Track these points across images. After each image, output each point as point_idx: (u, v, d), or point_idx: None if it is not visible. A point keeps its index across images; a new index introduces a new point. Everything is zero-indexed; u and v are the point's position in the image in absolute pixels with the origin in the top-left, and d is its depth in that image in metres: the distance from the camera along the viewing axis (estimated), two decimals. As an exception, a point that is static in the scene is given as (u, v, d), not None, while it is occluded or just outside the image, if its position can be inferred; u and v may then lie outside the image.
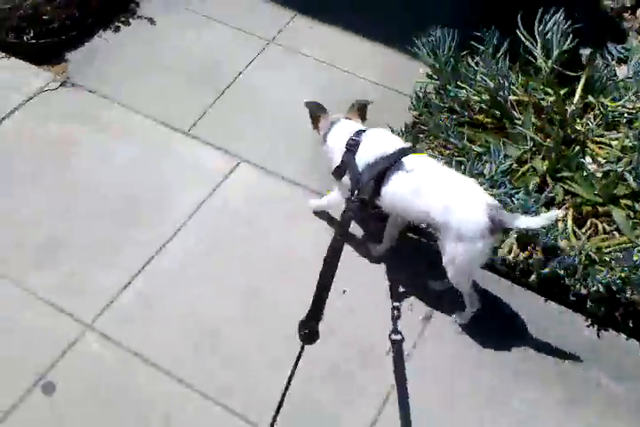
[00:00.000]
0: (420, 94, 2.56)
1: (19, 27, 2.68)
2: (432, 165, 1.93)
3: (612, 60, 2.63)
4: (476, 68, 2.50)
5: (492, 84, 2.40)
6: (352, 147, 1.97)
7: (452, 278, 1.93)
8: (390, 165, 1.89)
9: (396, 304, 2.01)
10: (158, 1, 3.02)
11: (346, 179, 1.99)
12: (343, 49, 2.88)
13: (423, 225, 2.22)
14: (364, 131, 2.02)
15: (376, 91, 2.72)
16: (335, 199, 2.13)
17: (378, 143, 1.98)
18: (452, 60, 2.48)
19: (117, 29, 2.89)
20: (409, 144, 2.05)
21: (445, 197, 1.83)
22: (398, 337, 1.91)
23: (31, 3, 2.64)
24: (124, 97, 2.65)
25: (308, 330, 1.60)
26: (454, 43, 2.47)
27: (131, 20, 2.92)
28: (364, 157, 1.95)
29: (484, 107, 2.48)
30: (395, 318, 1.96)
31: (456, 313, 2.09)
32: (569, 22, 2.36)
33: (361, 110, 2.15)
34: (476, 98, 2.48)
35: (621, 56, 2.65)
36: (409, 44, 2.61)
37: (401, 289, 2.13)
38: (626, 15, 3.02)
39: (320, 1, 3.02)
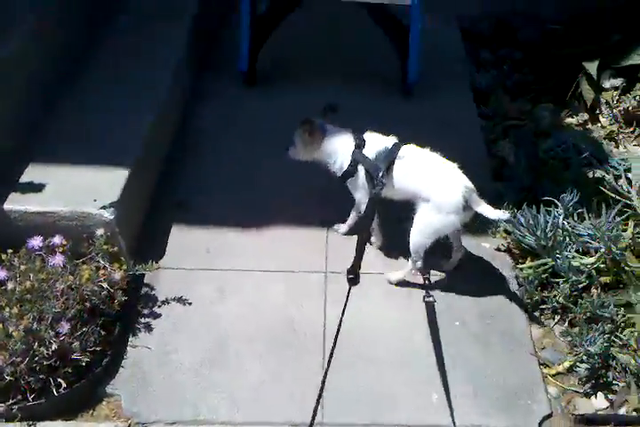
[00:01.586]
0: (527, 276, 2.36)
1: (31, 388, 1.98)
2: (422, 153, 2.32)
3: None
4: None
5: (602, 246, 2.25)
6: (359, 146, 2.33)
7: (414, 240, 2.31)
8: (395, 156, 2.28)
9: (426, 276, 2.39)
10: (175, 277, 2.49)
11: (359, 176, 2.35)
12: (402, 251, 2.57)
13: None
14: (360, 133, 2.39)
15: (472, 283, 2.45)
16: (361, 201, 2.42)
17: (379, 141, 2.36)
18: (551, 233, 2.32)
19: (149, 328, 2.30)
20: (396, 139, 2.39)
21: (433, 178, 2.25)
22: (431, 299, 2.26)
23: (58, 347, 1.97)
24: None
25: (353, 275, 2.09)
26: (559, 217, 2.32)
27: (157, 310, 2.35)
28: (371, 153, 2.32)
29: (599, 268, 2.32)
30: (426, 287, 2.34)
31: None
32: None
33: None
34: (586, 261, 2.32)
35: None
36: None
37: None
38: None
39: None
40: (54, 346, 1.97)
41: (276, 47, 3.47)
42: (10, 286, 2.06)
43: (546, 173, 2.73)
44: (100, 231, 2.25)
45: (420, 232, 2.29)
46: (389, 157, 2.29)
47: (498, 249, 2.57)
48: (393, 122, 3.03)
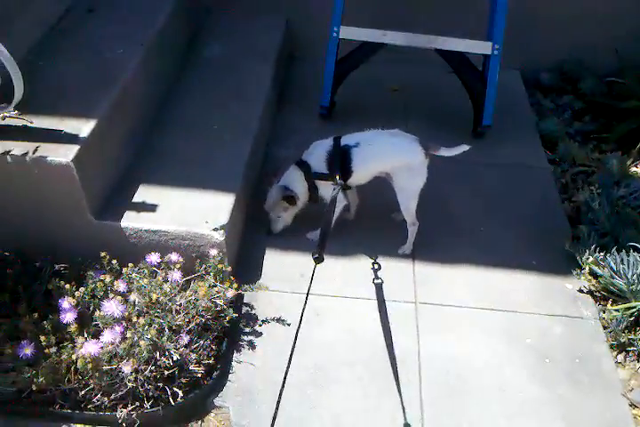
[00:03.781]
0: (613, 318, 2.46)
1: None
2: (365, 133, 2.62)
3: None
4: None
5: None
6: (305, 169, 2.63)
7: (407, 206, 2.65)
8: (342, 148, 2.56)
9: (374, 261, 2.73)
10: (272, 298, 2.60)
11: (323, 188, 2.66)
12: (487, 286, 2.69)
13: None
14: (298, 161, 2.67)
15: (557, 323, 2.55)
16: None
17: (317, 147, 2.65)
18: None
19: (252, 345, 2.41)
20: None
21: (390, 146, 2.59)
22: (379, 281, 2.62)
23: (178, 358, 2.09)
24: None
25: (318, 255, 2.30)
26: None
27: (258, 329, 2.47)
28: (320, 162, 2.61)
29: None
30: (375, 270, 2.68)
31: (400, 248, 2.80)
32: None
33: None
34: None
35: None
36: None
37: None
38: None
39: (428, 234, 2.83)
40: (175, 357, 2.09)
41: (351, 85, 3.66)
42: (131, 297, 2.19)
43: (623, 219, 2.84)
44: (213, 251, 2.38)
45: (409, 196, 2.62)
46: (336, 153, 2.57)
47: (580, 290, 2.66)
48: (464, 165, 3.22)
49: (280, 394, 1.86)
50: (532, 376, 2.34)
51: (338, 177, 2.56)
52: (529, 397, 2.28)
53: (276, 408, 1.83)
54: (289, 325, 2.48)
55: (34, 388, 2.02)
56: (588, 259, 2.59)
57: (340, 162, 2.57)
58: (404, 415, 2.16)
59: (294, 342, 2.00)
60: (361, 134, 2.64)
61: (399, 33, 3.43)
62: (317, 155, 2.64)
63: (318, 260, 2.35)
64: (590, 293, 2.64)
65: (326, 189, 2.65)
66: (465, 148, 2.65)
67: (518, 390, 2.30)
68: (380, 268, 2.70)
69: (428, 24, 3.55)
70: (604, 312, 2.54)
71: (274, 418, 1.82)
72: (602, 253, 2.57)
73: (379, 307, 2.53)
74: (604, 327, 2.52)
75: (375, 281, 2.64)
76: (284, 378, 1.90)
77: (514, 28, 3.43)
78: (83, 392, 2.05)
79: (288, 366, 1.94)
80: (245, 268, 2.70)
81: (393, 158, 2.62)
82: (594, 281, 2.63)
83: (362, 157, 2.58)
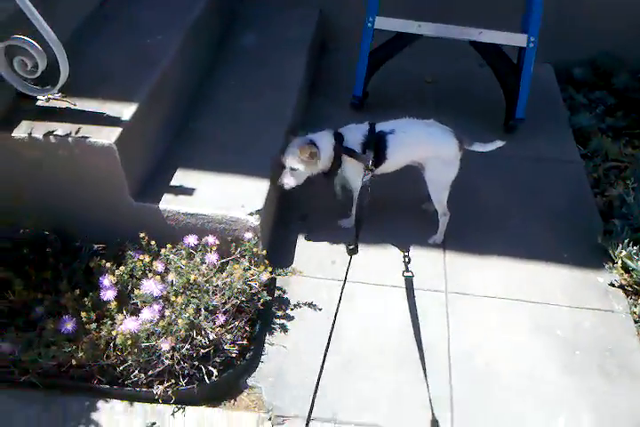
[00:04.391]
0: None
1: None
2: (401, 121, 2.64)
3: None
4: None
5: None
6: (339, 140, 2.58)
7: (438, 197, 2.67)
8: (378, 133, 2.57)
9: (406, 254, 2.74)
10: (304, 284, 2.64)
11: (345, 168, 2.63)
12: (518, 278, 2.70)
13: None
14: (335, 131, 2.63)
15: (588, 316, 2.55)
16: (357, 188, 2.58)
17: (353, 129, 2.64)
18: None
19: (284, 328, 2.45)
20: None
21: (426, 136, 2.59)
22: (410, 274, 2.64)
23: (214, 337, 2.13)
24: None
25: (353, 246, 2.39)
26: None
27: (290, 313, 2.51)
28: (354, 143, 2.58)
29: None
30: (406, 263, 2.69)
31: (431, 238, 2.81)
32: None
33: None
34: None
35: None
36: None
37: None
38: None
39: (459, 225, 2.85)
40: (211, 336, 2.13)
41: (383, 75, 3.67)
42: (169, 277, 2.24)
43: (656, 214, 2.83)
44: (248, 235, 2.42)
45: (440, 188, 2.64)
46: (372, 137, 2.56)
47: (612, 284, 2.65)
48: (496, 158, 3.19)
49: (318, 380, 1.89)
50: (564, 368, 2.35)
51: (370, 162, 2.53)
52: (559, 388, 2.29)
53: (315, 393, 1.86)
54: (320, 310, 2.52)
55: (73, 363, 2.07)
56: (621, 253, 2.59)
57: (375, 147, 2.57)
58: (430, 405, 2.18)
59: (331, 333, 2.02)
60: (395, 122, 2.64)
61: (434, 24, 3.41)
62: (353, 134, 2.61)
63: (353, 251, 2.37)
64: (622, 287, 2.64)
65: (351, 171, 2.64)
66: (499, 144, 2.65)
67: (548, 381, 2.31)
68: (410, 261, 2.71)
69: (462, 15, 3.54)
70: (636, 306, 2.54)
71: (312, 404, 1.85)
72: (635, 248, 2.56)
73: (408, 297, 2.55)
74: (635, 321, 2.51)
75: (405, 274, 2.65)
76: (322, 365, 1.93)
77: (547, 22, 3.40)
78: (121, 368, 2.11)
79: (324, 356, 1.95)
80: (278, 252, 2.73)
81: (427, 148, 2.61)
82: (625, 275, 2.62)
83: (396, 144, 2.58)
